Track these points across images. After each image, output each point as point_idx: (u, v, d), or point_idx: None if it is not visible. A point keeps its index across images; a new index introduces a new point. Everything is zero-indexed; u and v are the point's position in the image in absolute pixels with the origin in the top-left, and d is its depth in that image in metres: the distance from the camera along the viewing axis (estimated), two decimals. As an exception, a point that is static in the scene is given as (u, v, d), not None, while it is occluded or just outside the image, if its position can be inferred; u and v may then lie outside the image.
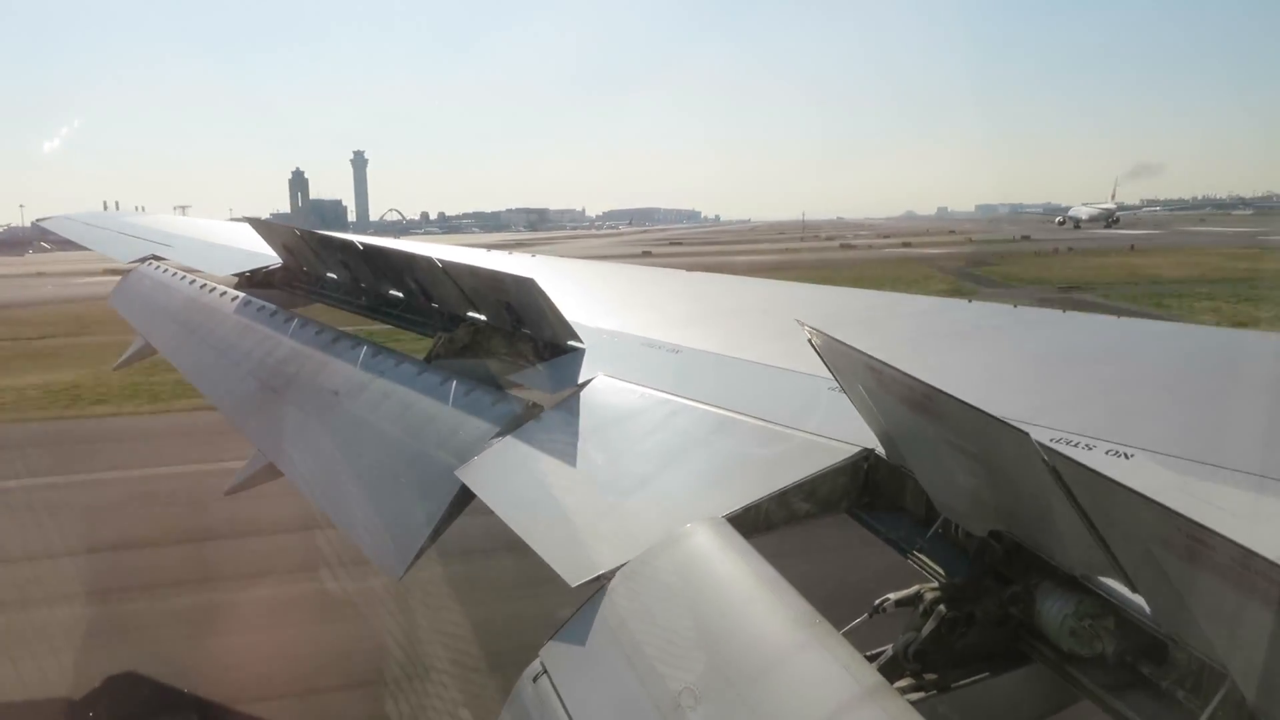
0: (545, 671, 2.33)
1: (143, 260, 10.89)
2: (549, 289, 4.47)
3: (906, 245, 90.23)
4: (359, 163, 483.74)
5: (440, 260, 5.47)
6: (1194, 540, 1.49)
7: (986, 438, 2.00)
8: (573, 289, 6.36)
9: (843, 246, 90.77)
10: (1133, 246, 75.51)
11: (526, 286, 4.50)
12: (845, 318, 5.04)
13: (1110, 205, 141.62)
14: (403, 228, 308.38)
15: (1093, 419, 2.72)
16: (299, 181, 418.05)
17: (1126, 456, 2.42)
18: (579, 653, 2.30)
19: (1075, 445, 2.51)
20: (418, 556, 3.48)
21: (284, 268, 8.72)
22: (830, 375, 2.76)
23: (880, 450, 2.72)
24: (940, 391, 2.02)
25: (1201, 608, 1.62)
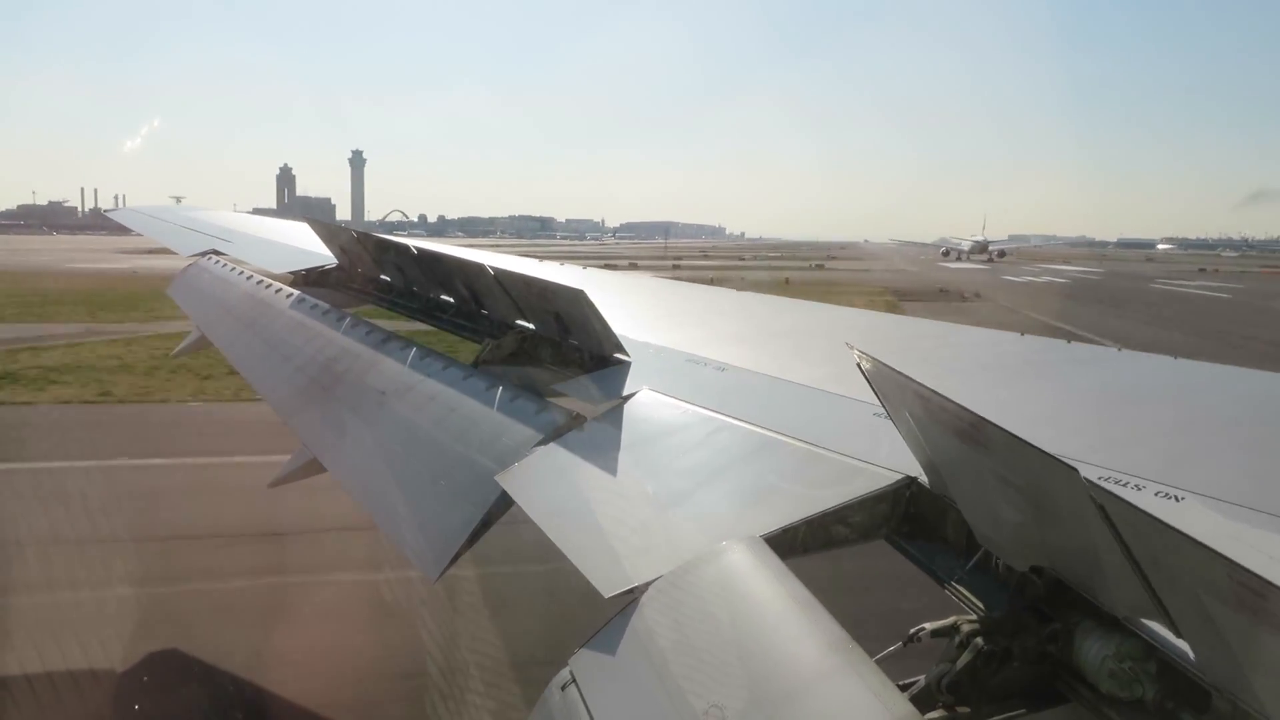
0: (574, 681, 2.33)
1: (202, 254, 11.17)
2: (598, 301, 4.49)
3: (676, 266, 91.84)
4: (357, 162, 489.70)
5: (492, 268, 5.54)
6: (1245, 588, 1.46)
7: (1034, 472, 1.97)
8: (622, 302, 6.39)
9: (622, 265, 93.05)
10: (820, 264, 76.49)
11: (576, 298, 4.53)
12: (895, 344, 5.00)
13: (981, 238, 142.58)
14: (388, 228, 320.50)
15: (1144, 459, 2.67)
16: (286, 177, 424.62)
17: (1177, 499, 2.37)
18: (608, 663, 2.31)
19: (1124, 485, 2.46)
20: (455, 559, 3.52)
21: (339, 268, 8.88)
22: (876, 401, 2.74)
23: (923, 479, 2.69)
24: (989, 423, 2.00)
25: (1250, 658, 1.58)
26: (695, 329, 5.78)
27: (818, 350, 4.91)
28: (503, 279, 5.39)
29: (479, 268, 5.72)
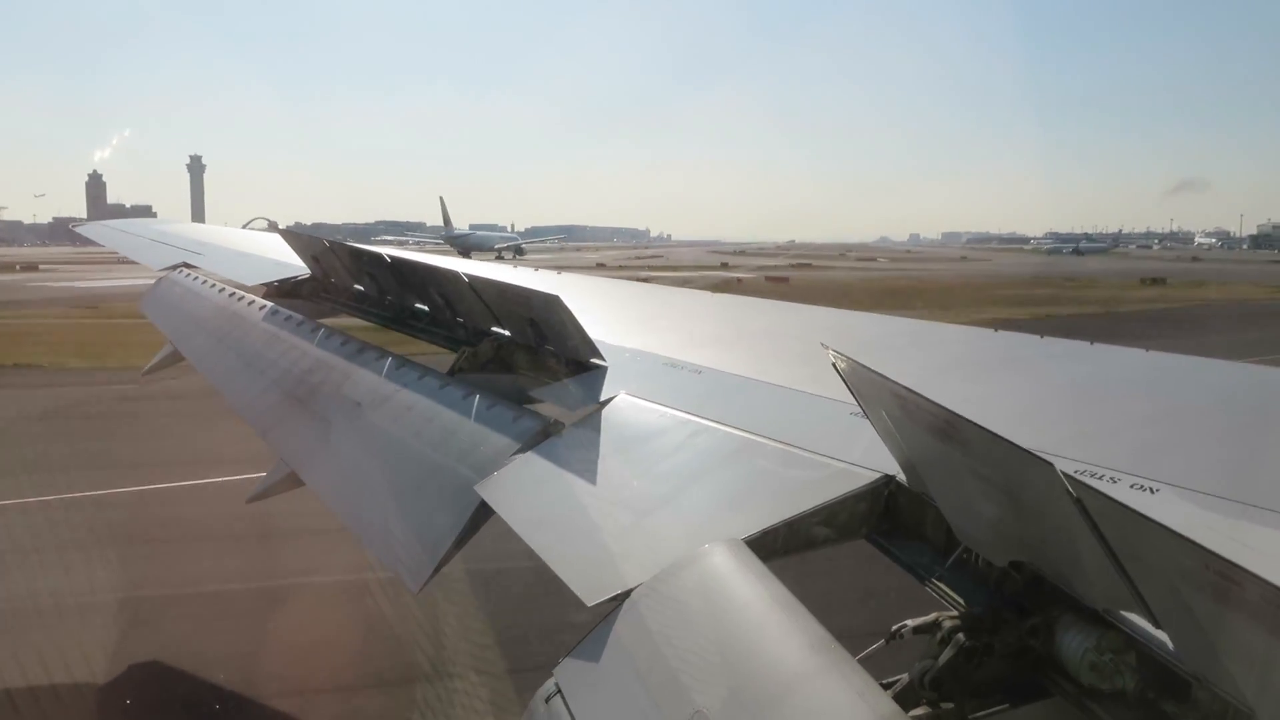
0: (559, 691, 2.32)
1: (174, 268, 11.03)
2: (573, 306, 4.48)
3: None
4: (195, 168, 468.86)
5: (466, 275, 5.51)
6: (1221, 577, 1.47)
7: (1011, 468, 1.98)
8: (597, 307, 6.38)
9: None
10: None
11: (551, 303, 4.52)
12: (870, 343, 5.02)
13: (455, 230, 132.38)
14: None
15: (1119, 452, 2.69)
16: (96, 184, 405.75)
17: (1152, 491, 2.39)
18: (593, 671, 2.30)
19: (1100, 478, 2.48)
20: (437, 570, 3.49)
21: (312, 278, 8.80)
22: (853, 400, 2.75)
23: (901, 477, 2.70)
24: (965, 420, 2.01)
25: (1228, 646, 1.59)
26: (671, 332, 5.78)
27: (794, 351, 4.91)
28: (477, 286, 5.36)
29: (453, 275, 5.69)
